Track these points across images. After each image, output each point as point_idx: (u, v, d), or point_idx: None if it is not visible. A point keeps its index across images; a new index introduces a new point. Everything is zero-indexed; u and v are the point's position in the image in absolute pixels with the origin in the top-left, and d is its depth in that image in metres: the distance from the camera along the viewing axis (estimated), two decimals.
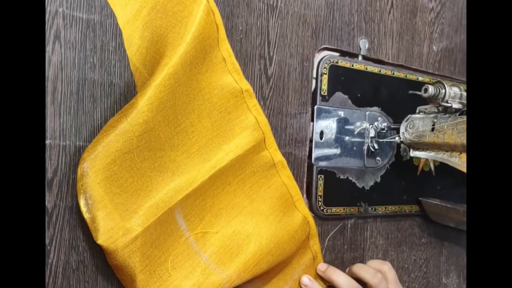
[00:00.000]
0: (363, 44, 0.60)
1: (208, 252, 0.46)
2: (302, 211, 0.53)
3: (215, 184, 0.47)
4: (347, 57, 0.59)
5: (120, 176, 0.41)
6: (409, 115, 0.57)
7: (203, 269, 0.45)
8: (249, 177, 0.49)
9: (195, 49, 0.42)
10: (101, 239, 0.39)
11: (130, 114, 0.40)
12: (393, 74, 0.63)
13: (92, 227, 0.40)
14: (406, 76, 0.65)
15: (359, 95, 0.60)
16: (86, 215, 0.40)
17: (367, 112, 0.61)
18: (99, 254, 0.42)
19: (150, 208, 0.42)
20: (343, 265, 0.60)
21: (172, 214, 0.44)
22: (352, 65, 0.59)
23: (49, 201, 0.40)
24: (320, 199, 0.56)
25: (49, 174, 0.40)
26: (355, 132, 0.60)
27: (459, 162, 0.51)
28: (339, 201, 0.58)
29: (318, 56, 0.56)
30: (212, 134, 0.46)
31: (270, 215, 0.50)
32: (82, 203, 0.40)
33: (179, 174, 0.44)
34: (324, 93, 0.56)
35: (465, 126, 0.49)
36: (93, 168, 0.39)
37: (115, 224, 0.40)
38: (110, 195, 0.40)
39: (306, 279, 0.53)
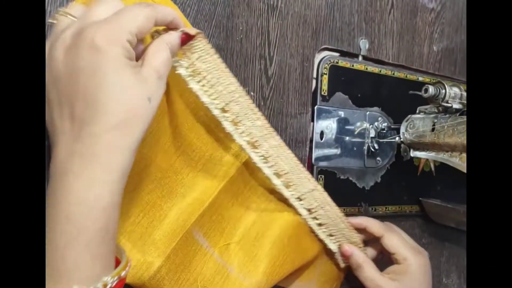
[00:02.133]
0: (363, 44, 0.60)
1: (235, 263, 0.46)
2: None
3: (227, 197, 0.47)
4: (347, 57, 0.59)
5: (131, 214, 0.41)
6: (409, 115, 0.57)
7: (233, 281, 0.46)
8: (261, 180, 0.49)
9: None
10: (127, 279, 0.40)
11: None
12: (393, 74, 0.63)
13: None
14: (406, 76, 0.65)
15: (359, 95, 0.60)
16: None
17: (368, 112, 0.61)
18: None
19: (167, 236, 0.42)
20: None
21: (191, 236, 0.44)
22: (353, 65, 0.59)
23: None
24: None
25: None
26: (356, 132, 0.60)
27: (460, 162, 0.51)
28: (340, 201, 0.58)
29: (318, 57, 0.56)
30: (213, 147, 0.45)
31: (288, 213, 0.50)
32: None
33: (189, 195, 0.44)
34: (324, 93, 0.56)
35: (465, 126, 0.49)
36: None
37: (136, 261, 0.41)
38: (125, 234, 0.41)
39: (346, 248, 0.52)
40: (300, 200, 0.49)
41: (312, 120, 0.56)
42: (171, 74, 0.41)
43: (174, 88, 0.42)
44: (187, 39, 0.37)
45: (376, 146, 0.61)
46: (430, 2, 0.68)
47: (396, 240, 0.52)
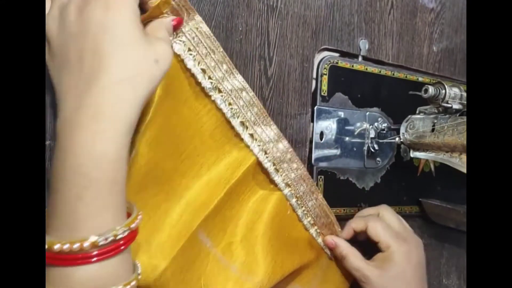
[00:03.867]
0: (363, 45, 0.60)
1: (237, 262, 0.47)
2: None
3: (231, 198, 0.47)
4: (347, 58, 0.59)
5: None
6: (409, 116, 0.57)
7: (235, 281, 0.46)
8: (261, 182, 0.49)
9: (170, 78, 0.41)
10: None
11: (130, 159, 0.40)
12: (393, 74, 0.63)
13: None
14: (406, 76, 0.65)
15: (359, 95, 0.60)
16: None
17: (367, 113, 0.61)
18: None
19: (172, 238, 0.42)
20: None
21: (196, 236, 0.44)
22: (352, 66, 0.59)
23: None
24: None
25: (49, 175, 0.40)
26: (355, 133, 0.60)
27: (460, 162, 0.51)
28: (339, 202, 0.58)
29: (318, 57, 0.56)
30: (218, 152, 0.46)
31: (287, 213, 0.51)
32: None
33: (194, 198, 0.44)
34: (324, 93, 0.56)
35: (465, 126, 0.49)
36: None
37: (141, 263, 0.41)
38: None
39: (330, 240, 0.53)
40: (289, 186, 0.50)
41: (312, 121, 0.56)
42: (171, 82, 0.41)
43: (176, 95, 0.42)
44: (180, 22, 0.40)
45: (376, 147, 0.61)
46: (430, 3, 0.68)
47: (379, 228, 0.52)
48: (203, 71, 0.42)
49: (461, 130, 0.49)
